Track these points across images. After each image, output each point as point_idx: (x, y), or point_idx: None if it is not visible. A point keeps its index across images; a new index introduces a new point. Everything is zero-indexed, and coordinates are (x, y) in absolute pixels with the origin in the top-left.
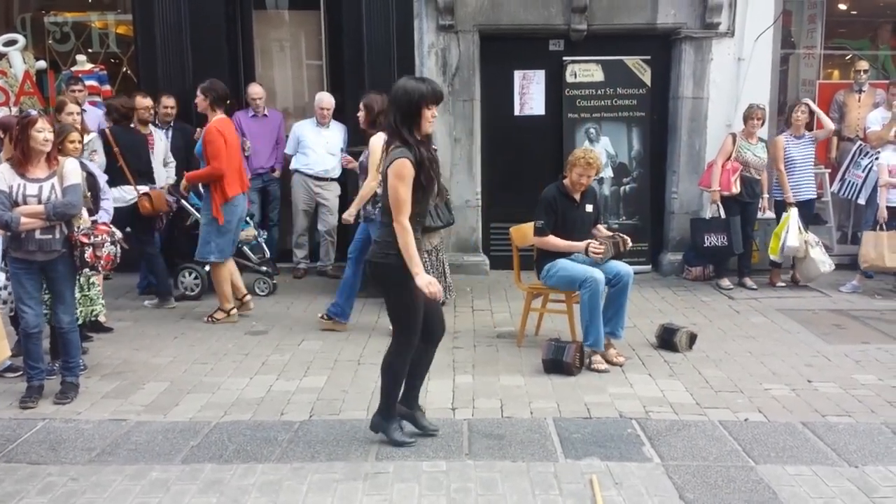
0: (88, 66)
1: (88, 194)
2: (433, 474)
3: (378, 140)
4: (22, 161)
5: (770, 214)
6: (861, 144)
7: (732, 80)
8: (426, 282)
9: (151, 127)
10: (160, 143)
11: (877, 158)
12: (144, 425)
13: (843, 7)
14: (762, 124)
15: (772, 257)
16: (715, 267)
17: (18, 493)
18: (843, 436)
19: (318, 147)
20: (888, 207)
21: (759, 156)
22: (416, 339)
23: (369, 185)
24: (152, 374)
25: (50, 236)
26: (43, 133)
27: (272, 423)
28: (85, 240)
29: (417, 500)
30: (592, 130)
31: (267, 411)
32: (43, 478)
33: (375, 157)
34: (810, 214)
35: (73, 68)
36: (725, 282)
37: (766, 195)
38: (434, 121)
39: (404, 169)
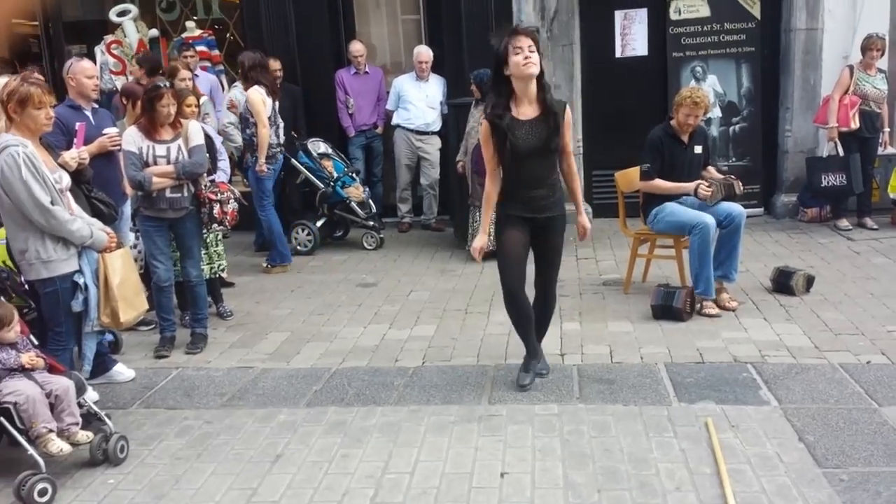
0: (198, 32)
1: (206, 155)
2: (545, 417)
3: (254, 93)
4: (149, 127)
5: (893, 150)
6: None
7: (849, 8)
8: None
9: None
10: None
11: None
12: (269, 372)
13: None
14: (882, 55)
15: (891, 195)
16: (832, 207)
17: (159, 435)
18: None
19: (419, 101)
20: None
21: (880, 88)
22: (502, 274)
23: (261, 133)
24: (273, 324)
25: (179, 195)
26: (167, 108)
27: (388, 369)
28: (213, 196)
29: (531, 441)
30: (699, 69)
31: (382, 358)
32: (180, 421)
33: (255, 108)
34: None
35: (184, 35)
36: (844, 222)
37: (887, 129)
38: (528, 62)
39: (482, 130)
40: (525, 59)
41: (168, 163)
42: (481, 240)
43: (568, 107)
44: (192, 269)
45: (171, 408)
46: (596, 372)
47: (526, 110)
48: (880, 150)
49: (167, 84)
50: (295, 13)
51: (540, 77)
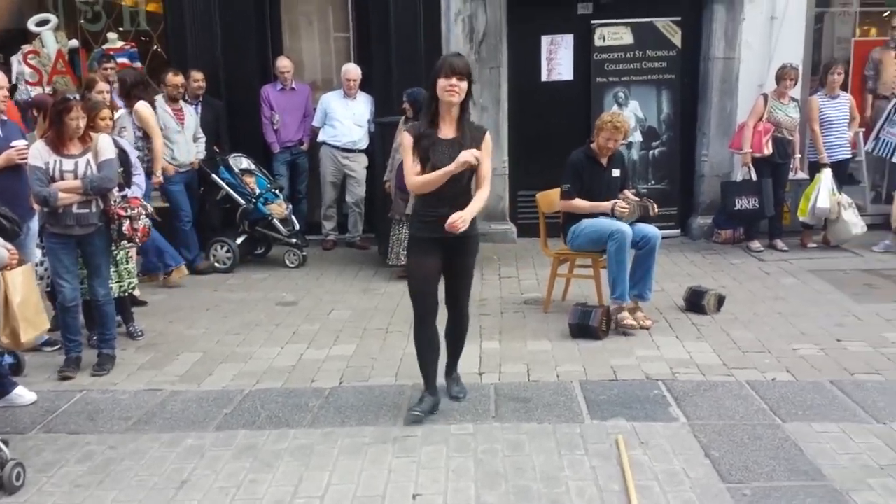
0: (119, 44)
1: (121, 169)
2: (461, 437)
3: (141, 107)
4: (56, 141)
5: (803, 175)
6: None
7: (765, 39)
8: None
9: (181, 102)
10: (190, 119)
11: None
12: (179, 394)
13: None
14: (795, 84)
15: (801, 218)
16: (745, 230)
17: (59, 461)
18: (871, 393)
19: (346, 119)
20: None
21: (792, 116)
22: (413, 301)
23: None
24: (186, 345)
25: (87, 210)
26: (76, 121)
27: (303, 390)
28: (122, 212)
29: (445, 461)
30: (621, 94)
31: (298, 379)
32: (82, 446)
33: (146, 121)
34: (844, 175)
35: (105, 46)
36: (756, 244)
37: (798, 155)
38: (451, 91)
39: (404, 140)
40: (450, 87)
41: (76, 178)
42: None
43: (488, 134)
44: (99, 288)
45: (73, 432)
46: (513, 390)
47: (447, 130)
48: (791, 175)
49: (77, 97)
50: (221, 27)
51: (464, 102)
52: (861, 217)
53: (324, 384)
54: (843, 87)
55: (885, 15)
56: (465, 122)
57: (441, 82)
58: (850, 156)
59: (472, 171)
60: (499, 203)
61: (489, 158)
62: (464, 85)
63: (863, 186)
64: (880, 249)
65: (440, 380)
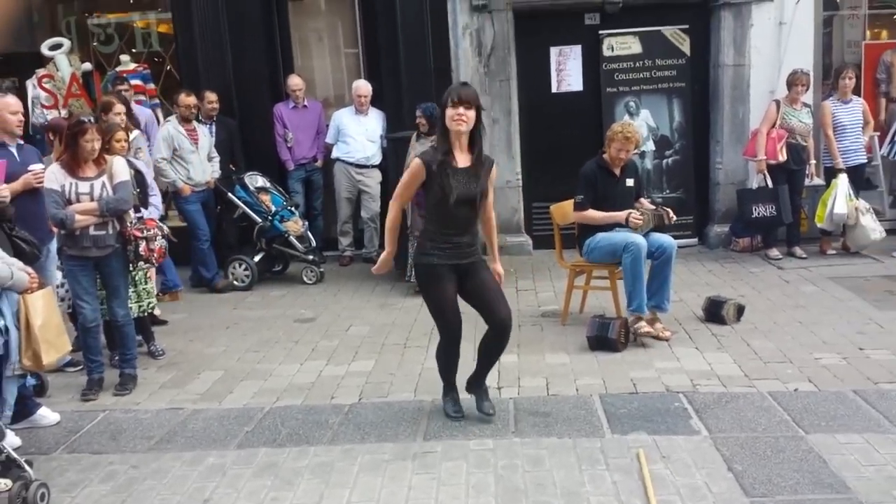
0: (132, 66)
1: (137, 191)
2: (480, 452)
3: None
4: (71, 164)
5: (819, 181)
6: None
7: (774, 45)
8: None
9: (195, 123)
10: (204, 139)
11: None
12: (200, 413)
13: None
14: (807, 90)
15: (818, 225)
16: (763, 237)
17: (82, 481)
18: (895, 403)
19: (358, 135)
20: None
21: (805, 122)
22: (445, 327)
23: None
24: (206, 363)
25: (104, 232)
26: (91, 143)
27: (323, 407)
28: (139, 234)
29: (465, 477)
30: (632, 104)
31: (318, 396)
32: (105, 466)
33: None
34: (861, 179)
35: (118, 68)
36: (774, 252)
37: (813, 161)
38: (459, 119)
39: (413, 166)
40: (457, 115)
41: (92, 200)
42: (385, 260)
43: (495, 165)
44: (118, 309)
45: (96, 452)
46: (532, 405)
47: (461, 159)
48: (807, 182)
49: (91, 119)
50: (232, 47)
51: (474, 131)
52: (880, 222)
53: (343, 400)
54: (856, 92)
55: (895, 17)
56: (478, 150)
57: (449, 112)
58: (865, 160)
59: (483, 197)
60: (514, 215)
61: (492, 188)
62: (471, 114)
63: (880, 191)
64: None
65: (463, 393)
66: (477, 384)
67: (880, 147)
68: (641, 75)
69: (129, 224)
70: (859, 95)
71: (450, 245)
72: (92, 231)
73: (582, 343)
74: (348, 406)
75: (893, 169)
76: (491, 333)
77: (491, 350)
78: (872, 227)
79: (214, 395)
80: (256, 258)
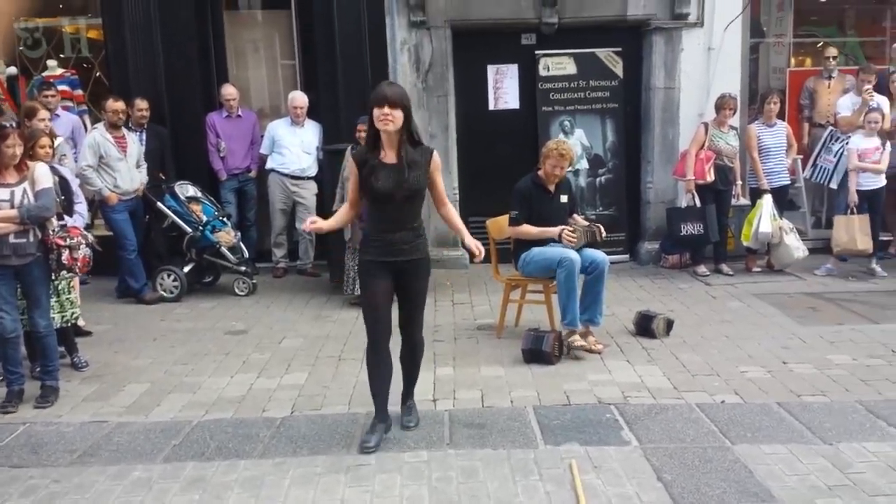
0: (59, 71)
1: (61, 198)
2: (415, 464)
3: None
4: None
5: (745, 201)
6: (832, 130)
7: (703, 69)
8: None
9: (124, 130)
10: (133, 146)
11: (847, 143)
12: (126, 426)
13: None
14: (734, 113)
15: (744, 243)
16: (692, 255)
17: (1, 496)
18: (817, 414)
19: (294, 146)
20: (858, 191)
21: (732, 144)
22: (368, 326)
23: None
24: (133, 375)
25: (24, 240)
26: (12, 149)
27: (253, 420)
28: (61, 242)
29: (399, 490)
30: (567, 123)
31: (248, 409)
32: (25, 480)
33: None
34: (784, 200)
35: (45, 73)
36: (702, 269)
37: (739, 182)
38: (385, 119)
39: (349, 164)
40: (383, 115)
41: (12, 207)
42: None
43: (435, 153)
44: (40, 319)
45: (15, 466)
46: (467, 417)
47: (390, 155)
48: (733, 202)
49: (13, 124)
50: (164, 54)
51: (405, 128)
52: (803, 241)
53: (275, 414)
54: (780, 116)
55: (818, 45)
56: (404, 147)
57: (375, 112)
58: (789, 182)
59: (422, 194)
60: (450, 230)
61: (440, 176)
62: (397, 113)
63: (803, 212)
64: (822, 273)
65: (394, 407)
66: (402, 398)
67: (803, 169)
68: (576, 95)
69: (51, 232)
70: (783, 120)
71: (383, 242)
72: (12, 239)
73: (517, 356)
74: (280, 419)
75: (815, 191)
76: (402, 346)
77: (405, 362)
78: (796, 246)
79: (140, 408)
80: (186, 269)
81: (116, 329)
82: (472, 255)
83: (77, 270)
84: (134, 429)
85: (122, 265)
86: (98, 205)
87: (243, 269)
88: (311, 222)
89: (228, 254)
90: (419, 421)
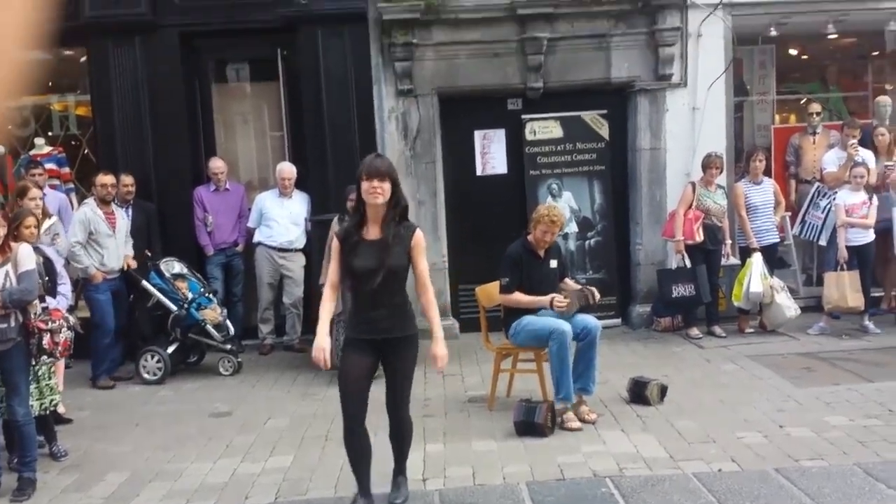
0: (47, 150)
1: (45, 279)
2: None
3: None
4: None
5: (735, 260)
6: (819, 186)
7: (688, 129)
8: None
9: (114, 205)
10: (122, 222)
11: (834, 199)
12: None
13: (793, 52)
14: (721, 172)
15: (735, 304)
16: (684, 316)
17: None
18: (816, 479)
19: (282, 218)
20: (848, 247)
21: (720, 203)
22: (342, 406)
23: None
24: (113, 464)
25: (5, 325)
26: None
27: None
28: (43, 326)
29: None
30: (555, 186)
31: (231, 496)
32: None
33: None
34: (774, 258)
35: (32, 152)
36: (694, 331)
37: (728, 241)
38: (374, 192)
39: (332, 243)
40: (372, 188)
41: None
42: (320, 343)
43: (419, 231)
44: (18, 408)
45: None
46: (458, 496)
47: (373, 232)
48: (723, 261)
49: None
50: (152, 129)
51: (391, 203)
52: (794, 299)
53: (259, 500)
54: (767, 173)
55: (802, 102)
56: (390, 223)
57: (364, 185)
58: (778, 240)
59: (404, 272)
60: (439, 298)
61: (423, 257)
62: (386, 186)
63: (793, 270)
64: (815, 332)
65: (385, 488)
66: (394, 475)
67: (792, 227)
68: (563, 158)
69: (32, 315)
70: (770, 177)
71: (363, 320)
72: None
73: (509, 429)
74: None
75: (805, 247)
76: (390, 425)
77: (393, 441)
78: (787, 305)
79: (120, 499)
80: (170, 349)
81: (98, 414)
82: (433, 363)
83: (57, 355)
84: None
85: (93, 347)
86: (82, 285)
87: (228, 347)
88: (320, 350)
89: (214, 332)
90: (408, 497)
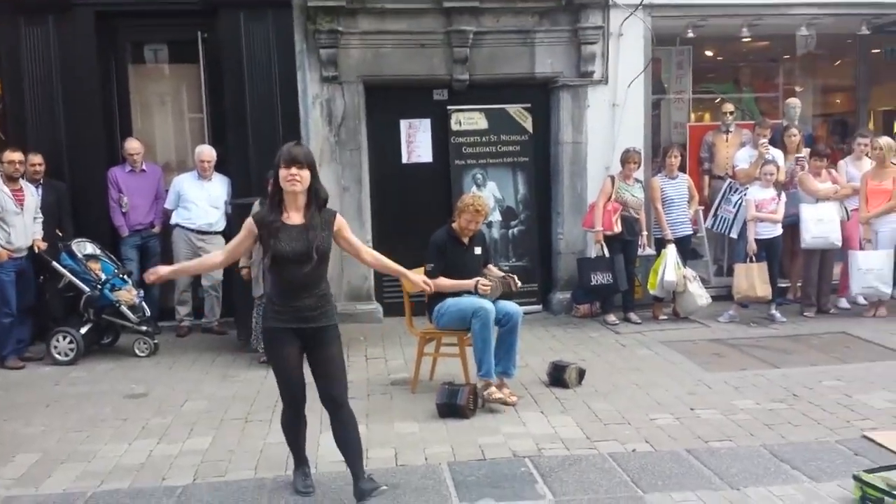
0: None
1: None
2: None
3: None
4: None
5: (650, 251)
6: (731, 182)
7: (609, 125)
8: None
9: (22, 182)
10: (31, 199)
11: (745, 194)
12: (14, 500)
13: (709, 53)
14: (639, 167)
15: (651, 292)
16: (602, 304)
17: None
18: (724, 460)
19: (201, 200)
20: (757, 240)
21: (637, 196)
22: (285, 393)
23: None
24: (23, 444)
25: None
26: None
27: (153, 490)
28: None
29: None
30: (479, 176)
31: (147, 477)
32: None
33: None
34: (687, 249)
35: None
36: (611, 317)
37: (645, 233)
38: (293, 179)
39: (245, 224)
40: (290, 176)
41: None
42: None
43: (338, 215)
44: None
45: None
46: (380, 477)
47: (294, 217)
48: (640, 252)
49: None
50: (64, 108)
51: (311, 190)
52: (706, 288)
53: (176, 481)
54: (682, 169)
55: (716, 101)
56: (313, 208)
57: (282, 172)
58: (691, 232)
59: (328, 257)
60: (364, 283)
61: (349, 231)
62: (305, 174)
63: (706, 260)
64: (725, 320)
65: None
66: (355, 478)
67: (704, 220)
68: (488, 149)
69: None
70: (685, 172)
71: (288, 308)
72: None
73: (432, 410)
74: (181, 487)
75: (717, 240)
76: (332, 423)
77: (342, 440)
78: (699, 294)
79: (31, 480)
80: (83, 330)
81: (6, 395)
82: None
83: None
84: (23, 502)
85: None
86: None
87: (144, 328)
88: (152, 273)
89: (129, 313)
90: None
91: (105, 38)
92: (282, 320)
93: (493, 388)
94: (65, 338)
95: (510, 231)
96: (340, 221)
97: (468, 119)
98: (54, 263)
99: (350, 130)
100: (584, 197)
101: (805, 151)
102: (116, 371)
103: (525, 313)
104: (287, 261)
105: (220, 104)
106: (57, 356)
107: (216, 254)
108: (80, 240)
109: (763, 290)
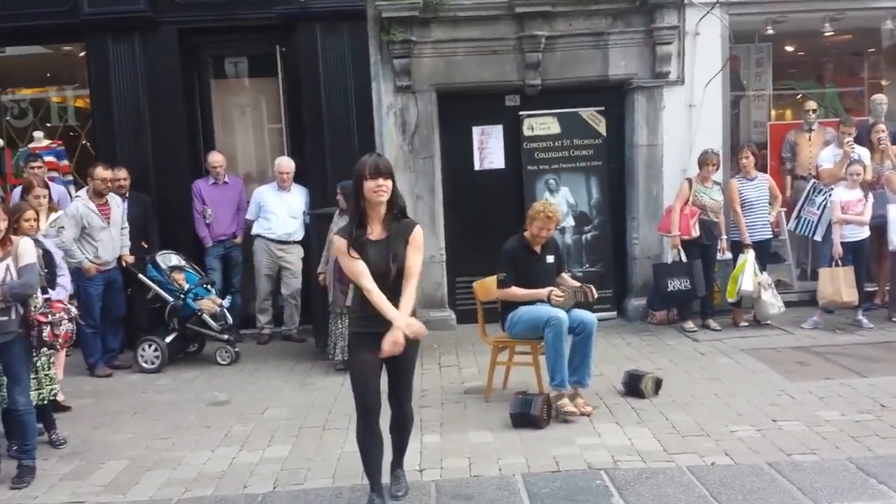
0: (45, 142)
1: (45, 271)
2: None
3: None
4: None
5: (729, 255)
6: (814, 182)
7: (685, 126)
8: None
9: (108, 196)
10: (116, 210)
11: (830, 195)
12: None
13: (789, 49)
14: (717, 169)
15: (729, 300)
16: (679, 310)
17: None
18: (808, 474)
19: (280, 211)
20: (843, 243)
21: (716, 199)
22: (357, 399)
23: None
24: (112, 452)
25: (7, 318)
26: None
27: (234, 497)
28: (43, 319)
29: None
30: (552, 181)
31: (229, 485)
32: None
33: None
34: (767, 254)
35: (31, 145)
36: (689, 324)
37: (724, 237)
38: (379, 190)
39: (337, 243)
40: (377, 187)
41: None
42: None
43: (418, 227)
44: (19, 397)
45: None
46: (454, 487)
47: (376, 231)
48: (719, 256)
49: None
50: (150, 122)
51: (391, 201)
52: (789, 293)
53: (256, 489)
54: (762, 169)
55: (798, 98)
56: (391, 220)
57: (368, 184)
58: (771, 235)
59: (402, 266)
60: (437, 290)
61: (419, 253)
62: (389, 184)
63: (788, 264)
64: (809, 326)
65: (384, 478)
66: (392, 467)
67: (787, 222)
68: (560, 154)
69: (33, 308)
70: (766, 173)
71: (371, 316)
72: None
73: (505, 420)
74: (261, 495)
75: (800, 243)
76: (392, 416)
77: (394, 432)
78: (771, 303)
79: (119, 487)
80: (168, 339)
81: (97, 403)
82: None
83: (58, 347)
84: None
85: (80, 337)
86: (75, 275)
87: (226, 336)
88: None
89: (211, 321)
90: (408, 490)
91: (188, 54)
92: (364, 325)
93: (565, 400)
94: (150, 346)
95: (584, 236)
96: (416, 234)
97: (540, 124)
98: (140, 276)
99: (423, 139)
100: (660, 201)
101: (893, 150)
102: (200, 379)
103: (599, 320)
104: (372, 273)
105: (299, 115)
106: (143, 364)
107: (363, 287)
108: (164, 251)
109: (849, 294)
